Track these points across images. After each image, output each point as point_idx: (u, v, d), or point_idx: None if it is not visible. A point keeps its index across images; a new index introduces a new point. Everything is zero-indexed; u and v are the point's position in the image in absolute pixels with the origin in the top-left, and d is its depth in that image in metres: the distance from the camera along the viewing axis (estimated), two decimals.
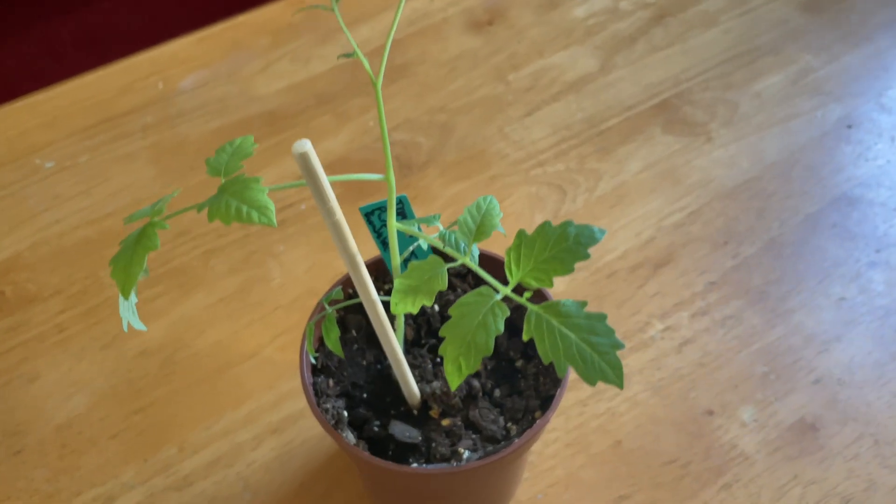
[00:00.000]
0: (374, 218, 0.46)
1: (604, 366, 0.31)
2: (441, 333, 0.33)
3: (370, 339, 0.48)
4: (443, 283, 0.34)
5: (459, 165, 0.72)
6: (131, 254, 0.32)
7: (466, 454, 0.42)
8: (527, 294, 0.33)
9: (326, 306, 0.42)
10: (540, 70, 0.81)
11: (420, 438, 0.43)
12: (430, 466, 0.40)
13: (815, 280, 0.63)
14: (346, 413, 0.44)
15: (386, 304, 0.40)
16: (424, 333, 0.47)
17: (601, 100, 0.78)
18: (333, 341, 0.40)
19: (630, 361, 0.59)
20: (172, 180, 0.73)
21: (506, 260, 0.34)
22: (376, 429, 0.44)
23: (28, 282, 0.66)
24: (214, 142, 0.76)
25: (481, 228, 0.37)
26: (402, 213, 0.46)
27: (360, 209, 0.45)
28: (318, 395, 0.44)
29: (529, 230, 0.65)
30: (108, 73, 0.82)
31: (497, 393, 0.45)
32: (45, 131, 0.77)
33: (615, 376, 0.31)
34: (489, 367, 0.46)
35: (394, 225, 0.38)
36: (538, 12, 0.87)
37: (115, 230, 0.69)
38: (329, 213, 0.33)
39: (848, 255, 0.64)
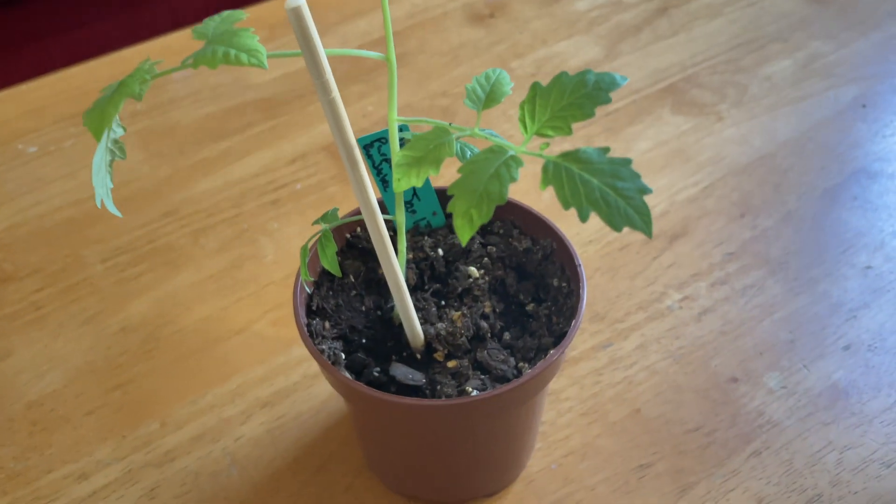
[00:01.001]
0: (373, 151, 0.42)
1: (630, 210, 0.27)
2: (450, 191, 0.29)
3: (369, 285, 0.44)
4: (450, 150, 0.31)
5: None
6: (109, 97, 0.28)
7: (475, 393, 0.38)
8: (543, 146, 0.30)
9: (322, 224, 0.38)
10: (543, 58, 0.79)
11: (424, 381, 0.39)
12: (434, 400, 0.36)
13: (838, 250, 0.60)
14: (343, 355, 0.40)
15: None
16: (428, 278, 0.44)
17: None
18: (330, 257, 0.36)
19: (646, 331, 0.55)
20: (162, 163, 0.70)
21: (519, 114, 0.31)
22: (376, 374, 0.40)
23: (4, 261, 0.62)
24: (207, 126, 0.73)
25: (491, 96, 0.34)
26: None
27: (359, 140, 0.42)
28: (312, 337, 0.40)
29: (537, 206, 0.62)
30: (98, 64, 0.80)
31: (507, 336, 0.41)
32: (28, 119, 0.74)
33: (643, 222, 0.27)
34: (497, 311, 0.42)
35: (394, 119, 0.35)
36: (540, 5, 0.86)
37: (99, 210, 0.66)
38: (324, 89, 0.30)
39: (871, 226, 0.61)
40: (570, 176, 0.28)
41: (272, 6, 0.86)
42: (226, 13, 0.32)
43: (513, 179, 0.29)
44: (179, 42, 0.82)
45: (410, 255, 0.44)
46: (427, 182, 0.44)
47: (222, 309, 0.58)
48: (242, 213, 0.65)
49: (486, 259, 0.43)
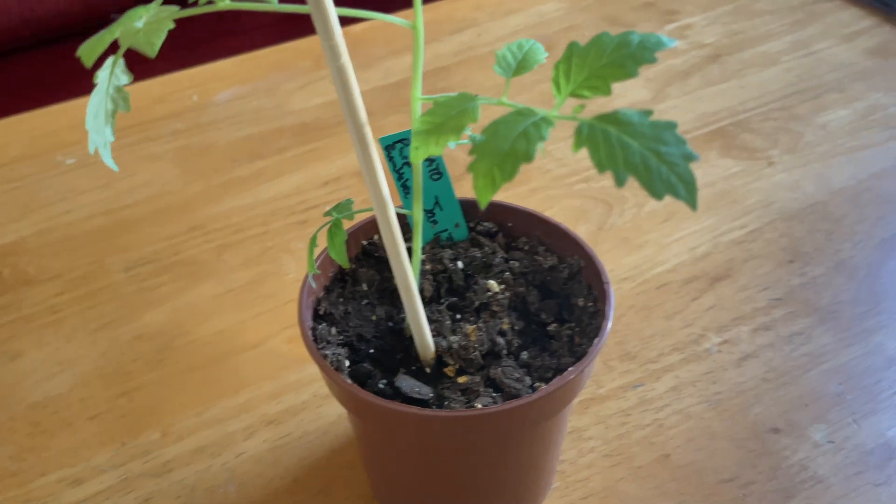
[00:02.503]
0: (394, 153, 0.41)
1: (672, 177, 0.24)
2: (471, 152, 0.27)
3: (382, 294, 0.42)
4: (474, 117, 0.29)
5: None
6: (102, 35, 0.27)
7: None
8: (578, 108, 0.28)
9: (334, 214, 0.36)
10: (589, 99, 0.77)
11: (432, 395, 0.37)
12: (435, 410, 0.33)
13: (895, 301, 0.55)
14: (347, 363, 0.38)
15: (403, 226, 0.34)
16: (445, 291, 0.41)
17: None
18: (338, 247, 0.34)
19: (681, 373, 0.51)
20: (194, 179, 0.69)
21: (553, 74, 0.29)
22: (381, 385, 0.37)
23: (28, 265, 0.62)
24: (243, 147, 0.73)
25: (523, 63, 0.32)
26: (438, 172, 0.41)
27: (380, 140, 0.40)
28: (316, 342, 0.38)
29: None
30: (144, 86, 0.81)
31: (525, 355, 0.39)
32: (71, 132, 0.75)
33: (687, 192, 0.24)
34: (516, 328, 0.40)
35: (417, 97, 0.33)
36: None
37: (132, 219, 0.65)
38: (333, 53, 0.28)
39: None
40: (606, 138, 0.26)
41: (315, 39, 0.87)
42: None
43: (542, 139, 0.27)
44: (226, 69, 0.83)
45: (428, 267, 0.42)
46: (450, 191, 0.42)
47: (239, 323, 0.56)
48: (269, 231, 0.64)
49: (507, 274, 0.41)
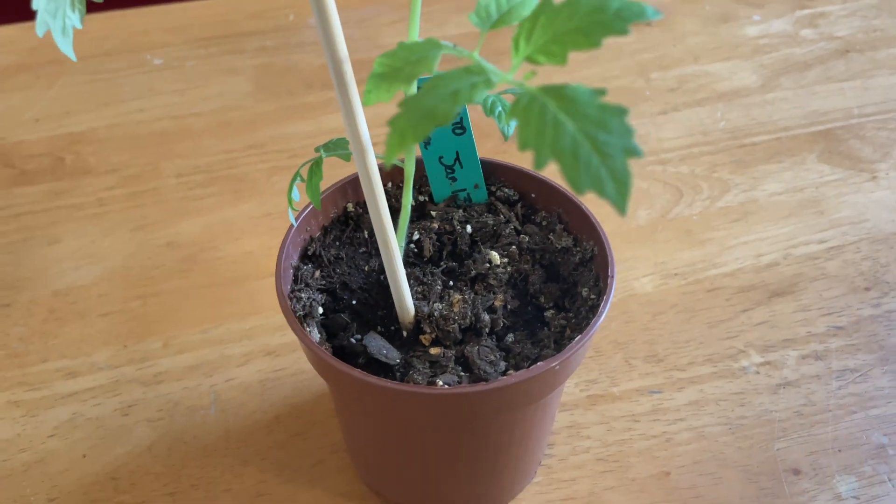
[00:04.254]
0: None
1: (603, 171, 0.20)
2: (399, 104, 0.24)
3: None
4: (430, 67, 0.26)
5: None
6: None
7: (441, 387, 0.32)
8: (527, 75, 0.24)
9: (322, 151, 0.34)
10: (689, 75, 0.71)
11: (398, 361, 0.34)
12: (386, 380, 0.31)
13: None
14: (320, 310, 0.36)
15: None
16: (447, 254, 0.39)
17: (753, 115, 0.67)
18: (314, 186, 0.32)
19: (707, 388, 0.47)
20: (267, 98, 0.69)
21: (516, 31, 0.25)
22: (353, 340, 0.35)
23: (90, 155, 0.63)
24: (321, 74, 0.71)
25: (506, 16, 0.28)
26: (462, 126, 0.38)
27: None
28: (295, 282, 0.36)
29: (627, 225, 0.56)
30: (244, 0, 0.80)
31: (510, 338, 0.35)
32: (165, 34, 0.76)
33: (616, 191, 0.20)
34: (508, 307, 0.36)
35: (415, 32, 0.30)
36: (706, 23, 0.78)
37: (194, 128, 0.65)
38: None
39: None
40: (542, 113, 0.22)
41: None
42: None
43: (469, 100, 0.23)
44: None
45: (436, 225, 0.39)
46: (473, 148, 0.39)
47: (268, 248, 0.55)
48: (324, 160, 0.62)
49: (514, 248, 0.38)
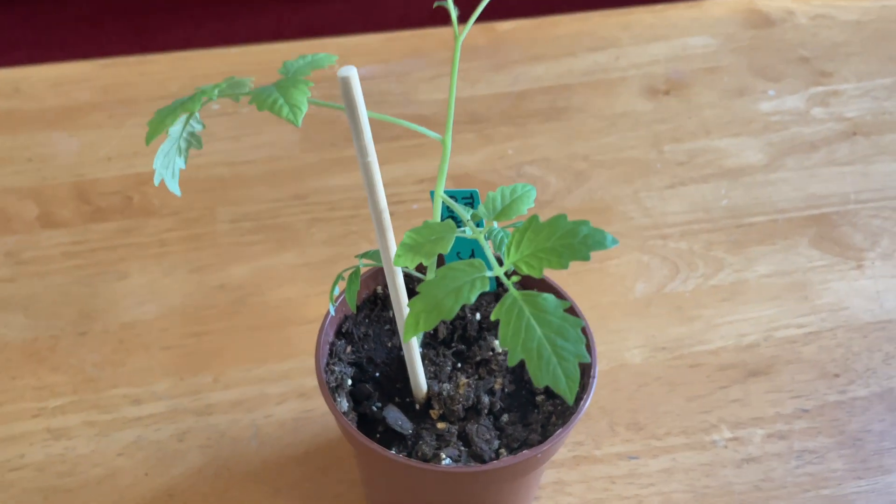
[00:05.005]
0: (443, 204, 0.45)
1: (559, 371, 0.28)
2: (418, 289, 0.31)
3: None
4: (445, 247, 0.33)
5: (579, 213, 0.70)
6: (171, 110, 0.33)
7: (447, 462, 0.40)
8: (514, 278, 0.31)
9: (359, 260, 0.41)
10: (700, 149, 0.77)
11: (410, 431, 0.42)
12: (398, 455, 0.38)
13: None
14: (349, 381, 0.43)
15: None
16: (457, 338, 0.46)
17: (754, 194, 0.73)
18: (352, 294, 0.40)
19: (679, 457, 0.53)
20: (312, 149, 0.76)
21: (510, 238, 0.32)
22: (374, 409, 0.43)
23: (154, 196, 0.71)
24: None
25: (506, 210, 0.35)
26: (472, 205, 0.45)
27: (445, 191, 0.45)
28: (331, 356, 0.44)
29: (625, 297, 0.62)
30: (297, 46, 0.88)
31: (505, 418, 0.43)
32: (222, 79, 0.84)
33: (567, 387, 0.28)
34: (506, 390, 0.44)
35: (440, 194, 0.37)
36: (722, 95, 0.84)
37: (245, 175, 0.73)
38: (362, 151, 0.33)
39: None
40: (519, 316, 0.29)
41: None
42: (316, 57, 0.36)
43: (468, 301, 0.30)
44: (371, 45, 0.88)
45: None
46: (486, 248, 0.46)
47: (305, 296, 0.63)
48: (357, 216, 0.70)
49: None
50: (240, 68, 0.85)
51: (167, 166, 0.35)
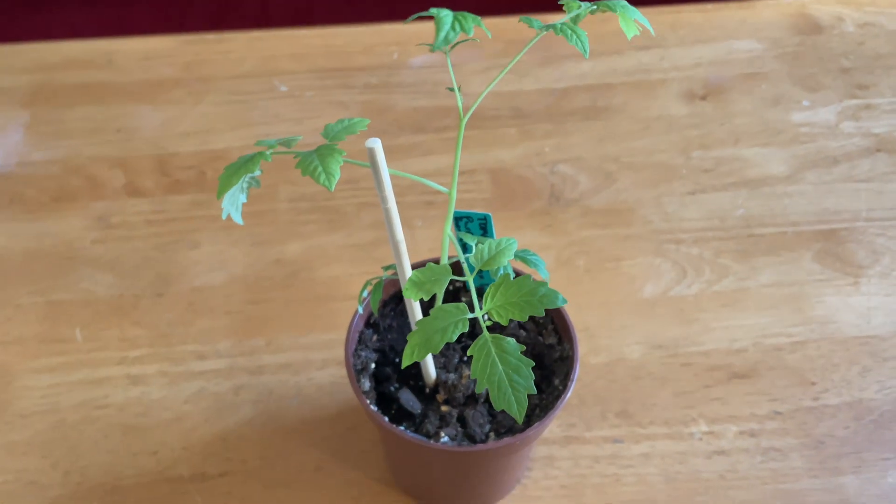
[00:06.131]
0: (461, 223, 0.53)
1: (512, 400, 0.36)
2: (416, 324, 0.40)
3: None
4: (441, 288, 0.41)
5: (602, 214, 0.77)
6: (236, 170, 0.41)
7: (444, 439, 0.49)
8: (487, 323, 0.39)
9: (383, 271, 0.50)
10: (726, 157, 0.83)
11: (419, 411, 0.51)
12: (407, 431, 0.47)
13: (878, 456, 0.61)
14: (373, 365, 0.52)
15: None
16: (467, 335, 0.54)
17: (769, 206, 0.78)
18: (374, 302, 0.48)
19: (658, 445, 0.61)
20: (365, 135, 0.84)
21: (486, 291, 0.40)
22: (392, 389, 0.52)
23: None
24: (412, 117, 0.86)
25: (489, 262, 0.43)
26: (485, 228, 0.53)
27: (454, 213, 0.53)
28: (359, 343, 0.53)
29: (633, 296, 0.69)
30: (361, 31, 0.95)
31: None
32: (291, 61, 0.92)
33: (517, 411, 0.36)
34: None
35: (448, 234, 0.45)
36: (757, 104, 0.88)
37: None
38: (383, 200, 0.41)
39: None
40: (487, 354, 0.37)
41: (517, 22, 0.96)
42: (353, 121, 0.44)
43: (451, 339, 0.38)
44: (431, 33, 0.95)
45: None
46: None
47: (349, 275, 0.72)
48: (401, 203, 0.78)
49: (514, 337, 0.53)
50: (308, 51, 0.93)
51: (233, 203, 0.44)
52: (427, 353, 0.38)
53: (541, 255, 0.73)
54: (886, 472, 0.60)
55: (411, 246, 0.74)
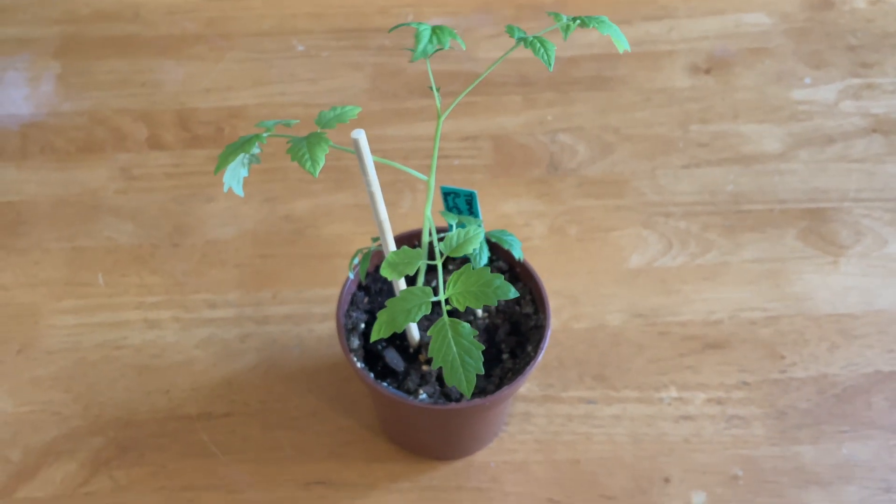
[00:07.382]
0: (449, 198, 0.57)
1: (462, 378, 0.41)
2: (386, 303, 0.44)
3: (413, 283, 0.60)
4: (412, 269, 0.45)
5: (597, 184, 0.80)
6: (234, 150, 0.46)
7: (423, 396, 0.54)
8: (448, 307, 0.44)
9: (372, 242, 0.54)
10: (723, 132, 0.85)
11: (402, 369, 0.56)
12: (387, 387, 0.52)
13: (836, 429, 0.65)
14: (363, 325, 0.57)
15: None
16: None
17: (759, 183, 0.81)
18: (363, 271, 0.53)
19: (629, 407, 0.66)
20: (377, 98, 0.88)
21: (449, 278, 0.44)
22: (379, 348, 0.57)
23: (242, 130, 0.85)
24: (422, 81, 0.89)
25: (457, 249, 0.47)
26: (470, 205, 0.57)
27: (441, 188, 0.57)
28: (351, 304, 0.58)
29: (619, 266, 0.73)
30: None
31: None
32: (309, 20, 0.95)
33: (466, 388, 0.41)
34: None
35: (428, 217, 0.49)
36: (759, 79, 0.90)
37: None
38: (367, 184, 0.45)
39: (891, 437, 0.65)
40: (444, 336, 0.42)
41: None
42: (344, 109, 0.47)
43: (414, 320, 0.43)
44: None
45: None
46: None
47: (352, 233, 0.77)
48: (408, 165, 0.82)
49: (493, 307, 0.57)
50: (325, 10, 0.96)
51: (234, 178, 0.48)
52: (392, 331, 0.43)
53: (534, 222, 0.77)
54: (842, 443, 0.65)
55: (414, 207, 0.78)
